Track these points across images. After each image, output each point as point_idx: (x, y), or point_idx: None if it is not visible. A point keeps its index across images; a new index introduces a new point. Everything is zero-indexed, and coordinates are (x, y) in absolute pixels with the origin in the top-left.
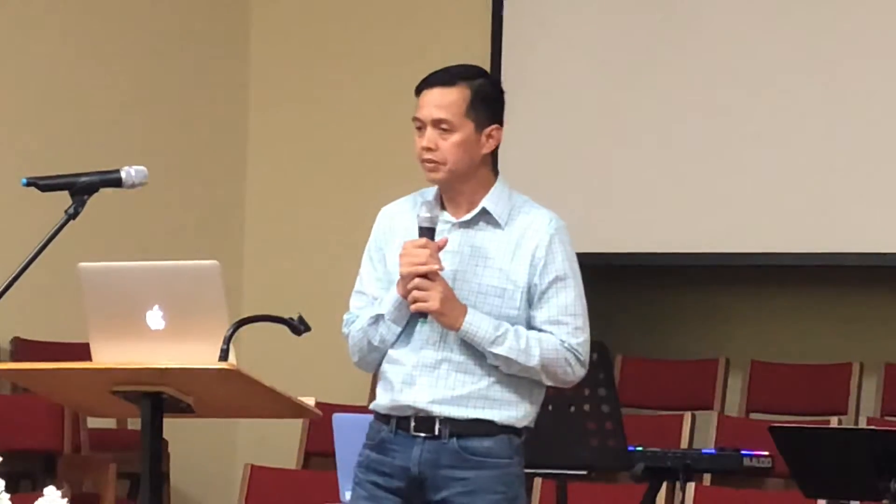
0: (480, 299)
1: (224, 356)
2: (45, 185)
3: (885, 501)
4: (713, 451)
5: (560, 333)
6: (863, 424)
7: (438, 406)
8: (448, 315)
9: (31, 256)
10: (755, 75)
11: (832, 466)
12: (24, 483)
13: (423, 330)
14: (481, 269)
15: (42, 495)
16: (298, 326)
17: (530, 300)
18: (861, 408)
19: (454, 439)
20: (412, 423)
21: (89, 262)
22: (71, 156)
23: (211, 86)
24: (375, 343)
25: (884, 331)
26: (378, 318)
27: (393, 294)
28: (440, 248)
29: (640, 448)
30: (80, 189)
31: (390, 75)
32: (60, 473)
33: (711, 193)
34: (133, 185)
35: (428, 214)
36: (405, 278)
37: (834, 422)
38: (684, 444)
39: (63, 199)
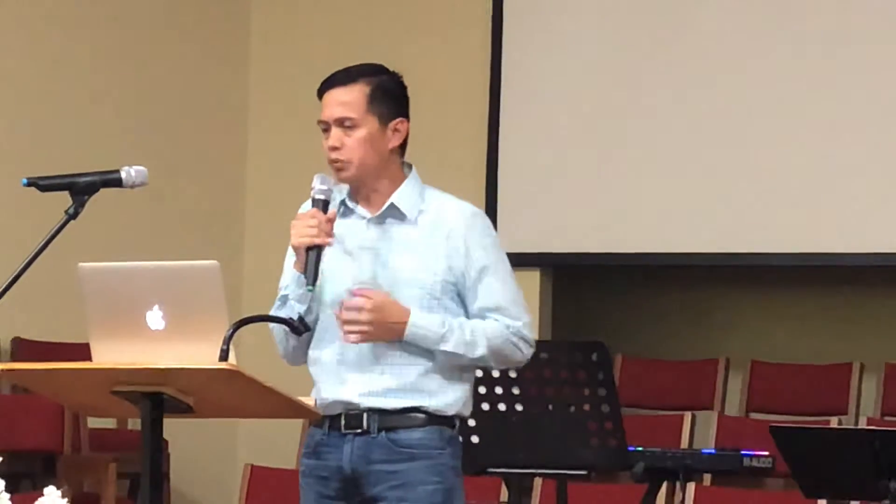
0: (396, 289)
1: (224, 356)
2: (45, 185)
3: (885, 501)
4: (713, 451)
5: (504, 319)
6: (863, 424)
7: (368, 398)
8: (387, 335)
9: (31, 256)
10: (755, 76)
11: (832, 466)
12: (24, 483)
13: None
14: (395, 261)
15: (42, 495)
16: (298, 327)
17: (459, 292)
18: (861, 408)
19: (383, 433)
20: (342, 422)
21: (89, 262)
22: (71, 156)
23: (211, 86)
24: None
25: (884, 331)
26: (285, 300)
27: (292, 272)
28: (331, 221)
29: (640, 448)
30: (81, 189)
31: None
32: (60, 473)
33: (711, 194)
34: (133, 186)
35: (322, 186)
36: (296, 250)
37: (834, 422)
38: (684, 444)
39: (63, 199)
